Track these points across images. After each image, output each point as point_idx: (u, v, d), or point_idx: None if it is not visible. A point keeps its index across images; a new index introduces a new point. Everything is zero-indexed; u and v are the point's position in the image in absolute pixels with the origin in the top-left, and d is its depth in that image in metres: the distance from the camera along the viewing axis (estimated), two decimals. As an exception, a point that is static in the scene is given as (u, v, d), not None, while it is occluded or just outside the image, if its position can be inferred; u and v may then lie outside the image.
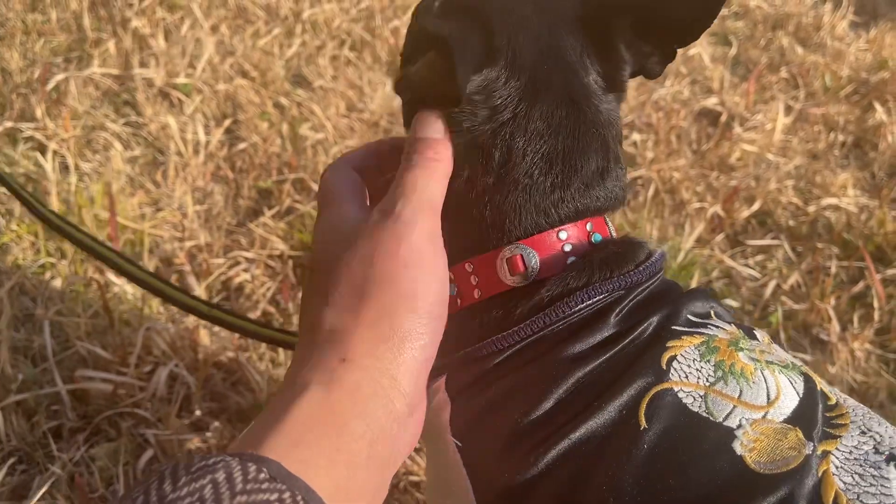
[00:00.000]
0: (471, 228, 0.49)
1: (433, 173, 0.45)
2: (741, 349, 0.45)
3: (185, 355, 1.25)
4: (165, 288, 0.76)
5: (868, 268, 1.52)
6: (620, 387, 0.43)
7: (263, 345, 1.30)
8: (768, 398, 0.43)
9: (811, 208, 1.81)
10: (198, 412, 1.18)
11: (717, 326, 0.47)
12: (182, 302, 0.76)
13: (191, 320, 1.32)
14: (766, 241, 1.69)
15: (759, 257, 1.65)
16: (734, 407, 0.42)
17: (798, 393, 0.44)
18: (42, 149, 1.71)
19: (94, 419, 1.15)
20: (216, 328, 1.32)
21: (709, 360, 0.44)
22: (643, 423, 0.41)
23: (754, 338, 0.49)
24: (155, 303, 1.33)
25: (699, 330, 0.46)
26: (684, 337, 0.45)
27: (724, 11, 2.94)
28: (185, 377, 1.21)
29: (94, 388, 1.17)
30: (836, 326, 1.43)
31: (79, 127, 1.84)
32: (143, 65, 2.12)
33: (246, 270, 1.46)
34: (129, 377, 1.19)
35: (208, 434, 1.15)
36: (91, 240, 0.78)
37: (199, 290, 1.37)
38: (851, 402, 0.46)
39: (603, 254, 0.48)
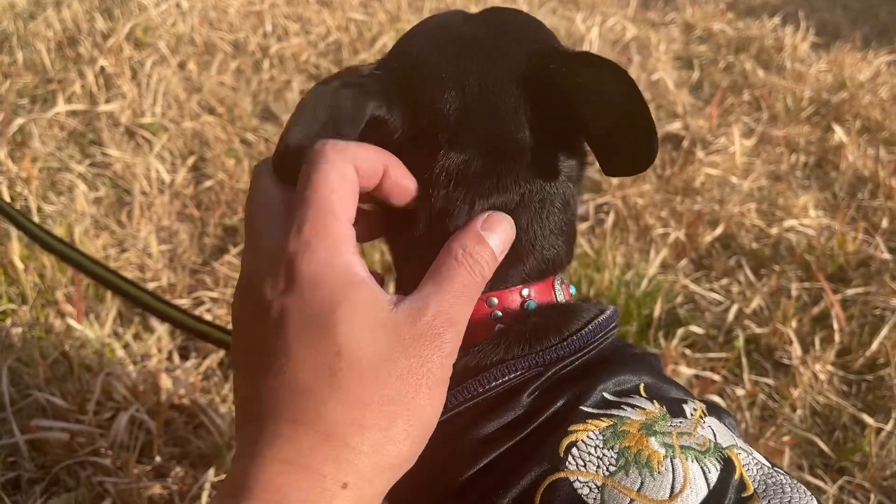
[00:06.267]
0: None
1: (475, 293, 0.41)
2: (654, 433, 0.42)
3: (147, 400, 1.24)
4: (152, 301, 0.74)
5: (825, 290, 1.54)
6: (519, 474, 0.41)
7: (226, 386, 1.30)
8: (672, 491, 0.40)
9: (774, 230, 1.84)
10: (158, 458, 1.17)
11: (635, 406, 0.44)
12: (169, 315, 0.74)
13: (153, 363, 1.31)
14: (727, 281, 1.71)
15: (724, 281, 1.67)
16: (631, 501, 0.39)
17: (708, 485, 0.41)
18: (3, 192, 1.70)
19: (52, 469, 1.14)
20: (177, 371, 1.31)
21: (613, 447, 0.41)
22: None
23: (680, 414, 0.45)
24: (117, 346, 1.33)
25: (610, 411, 0.43)
26: (590, 420, 0.42)
27: (687, 35, 3.00)
28: (146, 422, 1.20)
29: (53, 437, 1.16)
30: (797, 349, 1.44)
31: (42, 169, 1.83)
32: (108, 102, 2.12)
33: (209, 310, 1.45)
34: (87, 425, 1.18)
35: (169, 480, 1.14)
36: (79, 254, 0.77)
37: (161, 331, 1.36)
38: (777, 488, 0.42)
39: (527, 325, 0.46)
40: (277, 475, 0.33)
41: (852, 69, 2.70)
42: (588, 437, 0.42)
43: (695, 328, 1.50)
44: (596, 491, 0.40)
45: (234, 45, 2.53)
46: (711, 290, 1.64)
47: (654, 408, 0.45)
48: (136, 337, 1.37)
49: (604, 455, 0.41)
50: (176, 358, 1.34)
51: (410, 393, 0.36)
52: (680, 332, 1.47)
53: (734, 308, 1.56)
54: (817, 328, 1.52)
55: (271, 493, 0.33)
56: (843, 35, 3.16)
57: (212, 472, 1.13)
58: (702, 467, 0.42)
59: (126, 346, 1.34)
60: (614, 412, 0.43)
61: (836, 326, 1.49)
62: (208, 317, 1.43)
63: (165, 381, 1.26)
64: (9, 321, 1.41)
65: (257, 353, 0.37)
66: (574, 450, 0.41)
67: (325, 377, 0.35)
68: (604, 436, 0.42)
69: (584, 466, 0.40)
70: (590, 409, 0.43)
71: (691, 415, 0.46)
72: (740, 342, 1.47)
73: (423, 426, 0.37)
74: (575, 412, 0.43)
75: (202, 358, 1.35)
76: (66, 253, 0.78)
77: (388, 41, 2.55)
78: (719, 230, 1.81)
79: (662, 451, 0.41)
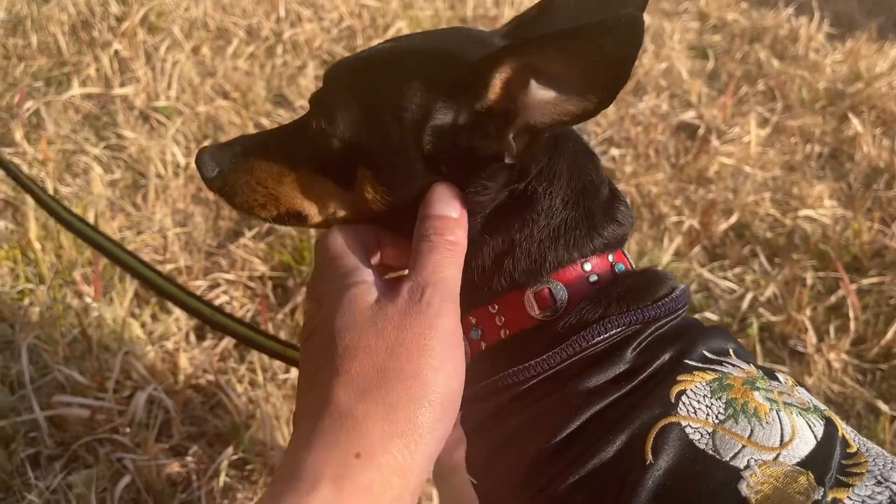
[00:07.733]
0: (497, 273, 0.49)
1: (453, 257, 0.45)
2: (757, 388, 0.44)
3: (165, 379, 1.25)
4: (174, 290, 0.74)
5: (843, 279, 1.54)
6: (629, 419, 0.42)
7: (243, 367, 1.31)
8: (782, 439, 0.42)
9: (788, 220, 1.83)
10: (176, 436, 1.18)
11: (734, 365, 0.47)
12: (185, 303, 0.74)
13: (171, 343, 1.32)
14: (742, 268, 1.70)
15: (738, 269, 1.67)
16: (743, 447, 0.41)
17: (815, 437, 0.43)
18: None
19: (71, 446, 1.15)
20: (195, 350, 1.32)
21: (720, 398, 0.43)
22: (649, 457, 0.41)
23: (775, 379, 0.47)
24: (135, 326, 1.33)
25: (713, 367, 0.46)
26: (696, 372, 0.45)
27: (701, 25, 2.98)
28: (164, 401, 1.21)
29: (72, 415, 1.17)
30: (812, 337, 1.44)
31: (58, 151, 1.84)
32: (123, 85, 2.13)
33: (226, 292, 1.46)
34: (107, 402, 1.18)
35: (187, 458, 1.15)
36: (106, 239, 0.76)
37: (178, 313, 1.37)
38: (877, 450, 0.44)
39: (622, 287, 0.48)
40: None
41: (868, 60, 2.68)
42: (696, 386, 0.44)
43: (709, 315, 1.50)
44: (707, 437, 0.42)
45: (248, 31, 2.53)
46: (725, 278, 1.64)
47: (752, 369, 0.47)
48: (154, 317, 1.38)
49: (712, 404, 0.43)
50: (193, 338, 1.35)
51: (412, 361, 0.40)
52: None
53: (748, 296, 1.55)
54: (832, 317, 1.52)
55: (348, 483, 0.38)
56: (858, 26, 3.13)
57: (229, 450, 1.14)
58: (806, 422, 0.44)
59: (144, 326, 1.35)
60: (717, 367, 0.46)
61: (851, 315, 1.48)
62: (224, 298, 1.44)
63: (183, 361, 1.27)
64: (27, 300, 1.42)
65: (307, 377, 0.44)
66: (684, 397, 0.43)
67: (330, 368, 0.41)
68: (711, 387, 0.44)
69: (695, 413, 0.42)
70: (695, 363, 0.45)
71: (784, 381, 0.48)
72: (754, 330, 1.47)
73: (426, 389, 0.40)
74: (681, 365, 0.45)
75: (219, 339, 1.35)
76: (97, 239, 0.78)
77: (401, 28, 2.54)
78: (733, 219, 1.81)
79: (767, 404, 0.44)
